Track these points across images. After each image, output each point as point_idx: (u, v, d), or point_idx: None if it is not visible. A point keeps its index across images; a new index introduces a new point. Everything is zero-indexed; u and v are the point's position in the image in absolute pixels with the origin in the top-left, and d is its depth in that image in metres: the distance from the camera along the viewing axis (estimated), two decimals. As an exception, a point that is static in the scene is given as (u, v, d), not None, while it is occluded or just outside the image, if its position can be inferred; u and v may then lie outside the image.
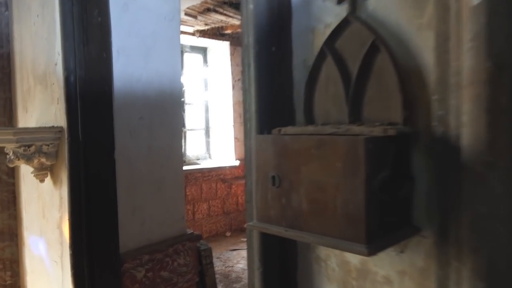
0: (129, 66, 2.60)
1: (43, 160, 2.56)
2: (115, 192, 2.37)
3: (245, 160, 1.53)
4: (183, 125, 6.65)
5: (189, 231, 2.85)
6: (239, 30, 6.78)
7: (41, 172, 2.64)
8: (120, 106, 2.53)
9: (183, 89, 6.61)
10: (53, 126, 2.48)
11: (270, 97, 1.38)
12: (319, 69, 1.29)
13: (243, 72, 1.52)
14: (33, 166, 2.59)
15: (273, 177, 1.14)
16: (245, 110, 1.51)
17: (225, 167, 6.81)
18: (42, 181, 2.68)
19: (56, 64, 2.45)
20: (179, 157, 2.91)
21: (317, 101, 1.32)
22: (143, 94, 2.70)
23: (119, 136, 2.49)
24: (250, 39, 1.35)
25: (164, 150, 2.77)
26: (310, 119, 1.35)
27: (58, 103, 2.46)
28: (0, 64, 2.95)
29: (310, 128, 1.22)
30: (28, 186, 3.02)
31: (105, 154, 2.36)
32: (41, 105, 2.70)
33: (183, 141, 6.42)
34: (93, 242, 2.27)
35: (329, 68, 1.26)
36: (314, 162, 1.04)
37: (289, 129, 1.25)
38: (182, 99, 6.61)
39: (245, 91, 1.51)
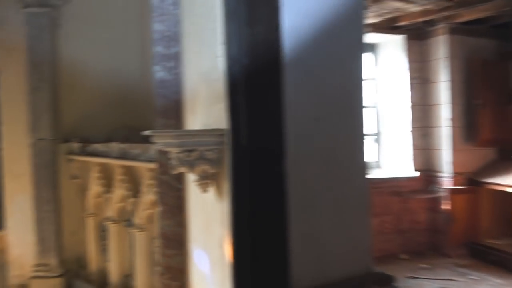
0: (301, 53, 2.07)
1: (206, 167, 2.26)
2: (286, 213, 1.86)
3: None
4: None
5: (377, 269, 2.15)
6: (417, 19, 5.77)
7: (204, 181, 2.37)
8: (291, 103, 2.02)
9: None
10: (215, 129, 2.15)
11: None
12: None
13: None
14: (196, 174, 2.32)
15: None
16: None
17: (401, 178, 5.86)
18: (205, 190, 2.40)
19: (219, 57, 2.10)
20: (363, 170, 2.23)
21: None
22: (319, 88, 2.14)
23: (290, 141, 1.98)
24: None
25: (345, 161, 2.14)
26: None
27: (221, 102, 2.10)
28: (168, 65, 2.82)
29: None
30: (195, 194, 2.81)
31: (274, 163, 1.88)
32: (206, 105, 2.43)
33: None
34: (260, 275, 1.80)
35: None
36: None
37: None
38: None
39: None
